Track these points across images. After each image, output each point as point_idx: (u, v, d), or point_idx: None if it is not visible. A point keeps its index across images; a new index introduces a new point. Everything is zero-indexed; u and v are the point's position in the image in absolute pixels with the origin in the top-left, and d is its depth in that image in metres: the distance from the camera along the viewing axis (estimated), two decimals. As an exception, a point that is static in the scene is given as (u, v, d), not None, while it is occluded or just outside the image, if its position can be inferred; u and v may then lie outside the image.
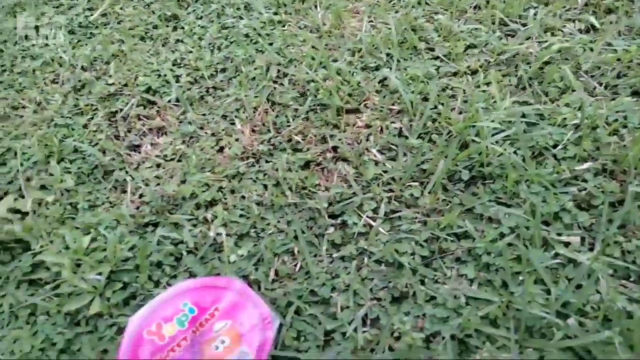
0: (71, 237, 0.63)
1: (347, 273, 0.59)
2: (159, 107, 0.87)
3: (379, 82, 0.82)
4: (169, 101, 0.87)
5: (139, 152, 0.80)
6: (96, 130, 0.84)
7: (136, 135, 0.83)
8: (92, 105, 0.89)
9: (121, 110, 0.87)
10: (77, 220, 0.69)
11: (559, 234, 0.59)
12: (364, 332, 0.54)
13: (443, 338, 0.52)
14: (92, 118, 0.86)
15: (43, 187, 0.75)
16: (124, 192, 0.75)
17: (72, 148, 0.80)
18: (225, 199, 0.70)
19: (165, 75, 0.91)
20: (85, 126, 0.85)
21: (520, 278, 0.55)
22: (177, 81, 0.91)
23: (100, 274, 0.58)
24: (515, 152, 0.67)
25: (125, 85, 0.91)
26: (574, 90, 0.76)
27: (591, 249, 0.58)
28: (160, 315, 0.54)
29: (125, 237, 0.65)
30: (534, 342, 0.50)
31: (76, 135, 0.82)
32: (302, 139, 0.76)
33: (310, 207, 0.66)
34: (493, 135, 0.69)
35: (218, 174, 0.72)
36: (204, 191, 0.69)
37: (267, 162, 0.75)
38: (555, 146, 0.68)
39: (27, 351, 0.56)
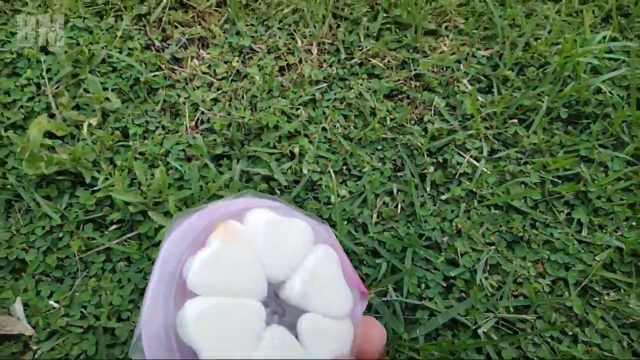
0: (141, 171, 0.54)
1: (455, 216, 0.56)
2: (197, 12, 0.74)
3: (459, 5, 0.74)
4: (210, 5, 0.73)
5: (184, 67, 0.68)
6: (124, 37, 0.70)
7: (176, 46, 0.70)
8: (112, 3, 0.72)
9: (149, 14, 0.72)
10: (134, 149, 0.59)
11: (662, 180, 0.59)
12: (486, 278, 0.52)
13: (566, 284, 0.52)
14: (116, 21, 0.71)
15: (76, 107, 0.63)
16: (176, 115, 0.64)
17: (101, 58, 0.66)
18: (307, 130, 0.62)
19: (199, -29, 0.76)
20: (109, 31, 0.70)
21: (633, 223, 0.55)
22: (214, -20, 0.76)
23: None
24: (610, 92, 0.64)
25: (152, -20, 0.75)
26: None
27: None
28: None
29: (202, 171, 0.56)
30: (651, 286, 0.52)
31: (102, 43, 0.68)
32: (380, 63, 0.68)
33: (406, 143, 0.61)
34: (590, 72, 0.66)
35: (292, 100, 0.64)
36: (287, 121, 0.61)
37: (341, 88, 0.67)
38: (647, 86, 0.66)
39: (117, 304, 0.49)
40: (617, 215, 0.55)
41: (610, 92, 0.64)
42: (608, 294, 0.51)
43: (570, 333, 0.49)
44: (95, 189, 0.54)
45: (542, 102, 0.62)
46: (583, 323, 0.50)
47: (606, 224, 0.55)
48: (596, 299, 0.51)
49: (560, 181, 0.58)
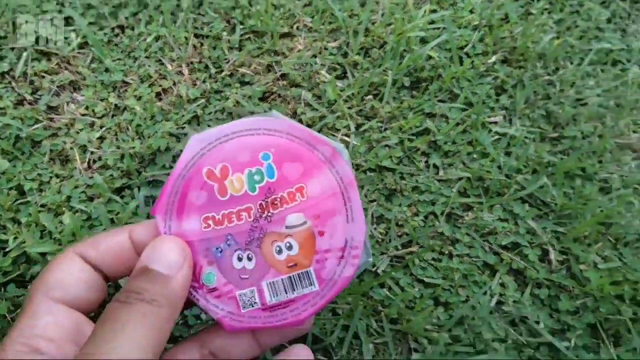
0: (49, 221, 0.57)
1: (341, 186, 0.66)
2: (60, 58, 0.75)
3: (304, 6, 0.84)
4: (72, 49, 0.76)
5: (61, 114, 0.70)
6: (-9, 97, 0.70)
7: (48, 95, 0.71)
8: (-32, 67, 0.72)
9: (12, 70, 0.73)
10: (34, 203, 0.61)
11: (489, 117, 0.74)
12: (375, 229, 0.63)
13: (435, 216, 0.65)
14: (-22, 84, 0.70)
15: (-40, 177, 0.63)
16: (67, 161, 0.67)
17: (-27, 124, 0.66)
18: (197, 145, 0.68)
19: (52, 18, 0.77)
20: (-28, 95, 0.69)
21: (474, 156, 0.70)
22: (69, 24, 0.78)
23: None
24: (438, 56, 0.79)
25: (5, 37, 0.75)
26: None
27: (510, 123, 0.75)
28: (231, 155, 0.36)
29: (108, 206, 0.60)
30: (496, 200, 0.66)
31: (-31, 108, 0.67)
32: (248, 71, 0.76)
33: (286, 135, 0.69)
34: (420, 43, 0.80)
35: (176, 120, 0.69)
36: (177, 141, 0.66)
37: (218, 100, 0.74)
38: (465, 46, 0.81)
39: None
40: (461, 152, 0.69)
41: (438, 57, 0.78)
42: (467, 215, 0.65)
43: (446, 252, 0.62)
44: (7, 250, 0.56)
45: (388, 76, 0.74)
46: (454, 242, 0.63)
47: (455, 161, 0.69)
48: (459, 221, 0.65)
49: (414, 137, 0.71)
